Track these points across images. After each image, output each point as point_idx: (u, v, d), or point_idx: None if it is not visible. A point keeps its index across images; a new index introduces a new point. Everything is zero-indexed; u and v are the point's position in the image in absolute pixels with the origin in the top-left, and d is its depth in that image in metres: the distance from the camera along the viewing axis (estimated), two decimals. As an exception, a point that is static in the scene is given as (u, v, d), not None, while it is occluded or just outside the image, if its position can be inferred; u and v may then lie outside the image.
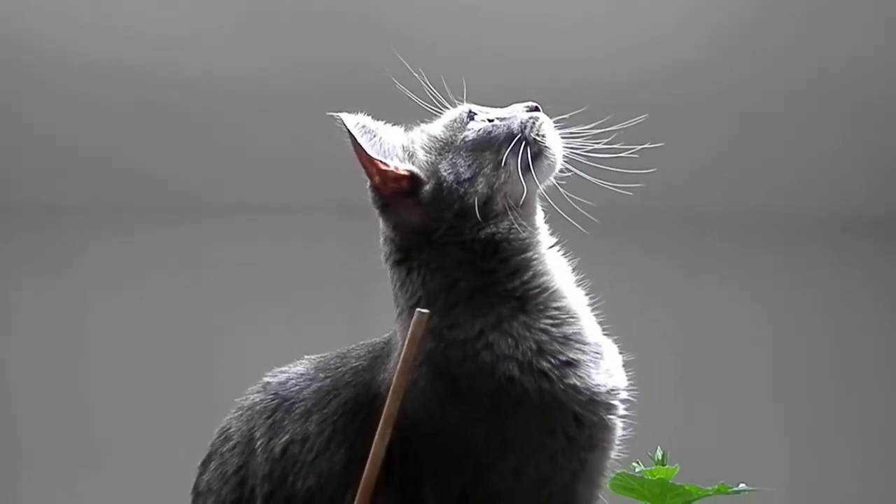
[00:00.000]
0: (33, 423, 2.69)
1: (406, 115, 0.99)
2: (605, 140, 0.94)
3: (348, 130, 0.90)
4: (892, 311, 2.92)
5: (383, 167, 0.90)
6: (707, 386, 2.84)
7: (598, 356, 0.91)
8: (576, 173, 0.95)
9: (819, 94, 2.48)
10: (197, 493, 0.96)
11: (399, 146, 0.93)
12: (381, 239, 0.94)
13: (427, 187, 0.91)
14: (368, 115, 0.94)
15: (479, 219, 0.89)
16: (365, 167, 0.91)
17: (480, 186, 0.90)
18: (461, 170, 0.91)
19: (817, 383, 2.86)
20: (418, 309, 0.84)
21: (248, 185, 2.73)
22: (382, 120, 0.95)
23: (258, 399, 0.95)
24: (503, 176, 0.91)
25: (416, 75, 1.00)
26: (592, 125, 0.95)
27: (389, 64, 1.11)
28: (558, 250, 0.96)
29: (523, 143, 0.92)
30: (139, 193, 2.74)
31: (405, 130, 0.96)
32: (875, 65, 2.40)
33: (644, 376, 0.95)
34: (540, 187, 0.94)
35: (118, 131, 2.51)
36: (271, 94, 2.43)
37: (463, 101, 1.00)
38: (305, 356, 0.99)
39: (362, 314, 1.98)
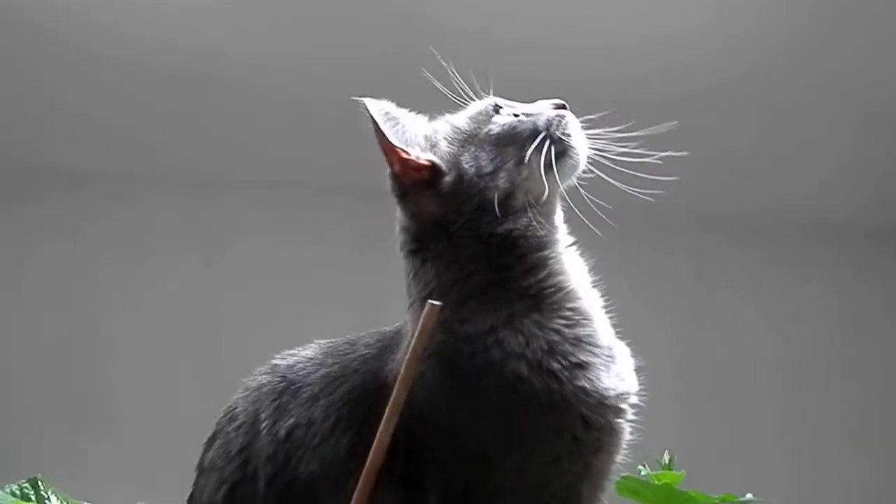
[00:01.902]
0: (43, 390, 2.71)
1: (433, 104, 0.98)
2: (632, 144, 0.92)
3: (371, 116, 0.89)
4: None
5: (404, 155, 0.90)
6: (716, 392, 2.82)
7: (610, 359, 0.90)
8: (597, 174, 0.94)
9: (835, 100, 2.47)
10: (201, 471, 0.96)
11: (422, 135, 0.92)
12: (397, 227, 0.94)
13: (447, 178, 0.90)
14: (395, 101, 0.93)
15: (498, 214, 0.88)
16: (386, 154, 0.90)
17: (501, 181, 0.89)
18: (483, 163, 0.90)
19: (827, 391, 2.85)
20: (430, 300, 0.84)
21: (269, 162, 2.74)
22: (408, 108, 0.94)
23: (265, 381, 0.94)
24: (525, 172, 0.90)
25: (444, 65, 0.99)
26: (618, 128, 0.94)
27: (419, 52, 1.10)
28: (576, 250, 0.95)
29: (548, 140, 0.91)
30: (160, 164, 2.75)
31: (429, 120, 0.95)
32: (892, 72, 2.37)
33: (654, 380, 0.94)
34: (561, 186, 0.93)
35: (143, 103, 2.53)
36: (296, 73, 2.43)
37: (489, 94, 0.99)
38: (315, 340, 0.98)
39: (375, 297, 1.97)
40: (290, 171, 2.75)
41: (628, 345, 0.94)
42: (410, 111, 0.94)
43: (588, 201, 0.94)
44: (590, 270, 0.96)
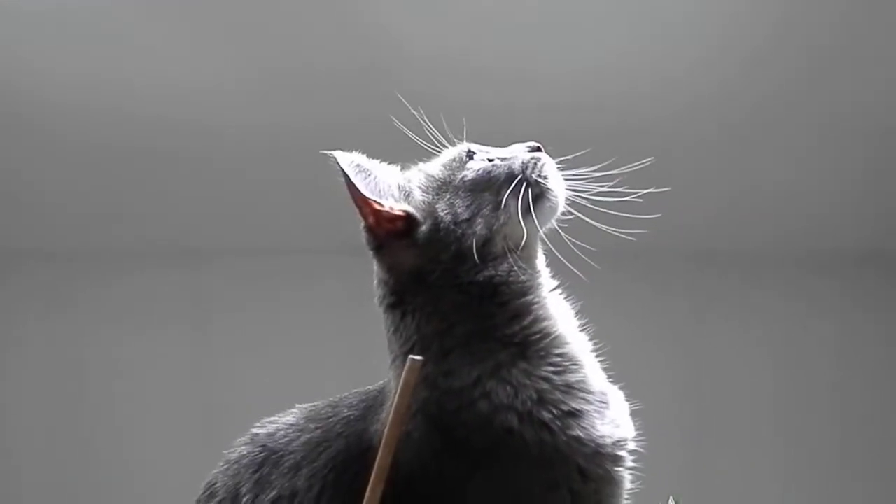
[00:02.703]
0: (33, 467, 2.66)
1: (409, 160, 0.96)
2: (610, 183, 0.90)
3: (342, 169, 0.87)
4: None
5: (378, 207, 0.87)
6: (717, 431, 2.78)
7: (604, 405, 0.86)
8: (578, 216, 0.91)
9: (826, 130, 2.47)
10: (181, 551, 0.92)
11: (395, 185, 0.89)
12: (375, 281, 0.91)
13: (423, 228, 0.87)
14: (369, 154, 0.91)
15: (478, 261, 0.86)
16: (359, 207, 0.88)
17: (479, 228, 0.87)
18: (459, 210, 0.87)
19: (828, 426, 2.80)
20: (411, 356, 0.80)
21: (252, 229, 2.74)
22: (381, 159, 0.92)
23: (245, 451, 0.90)
24: (503, 217, 0.87)
25: (415, 113, 0.97)
26: (596, 167, 0.92)
27: (392, 109, 1.08)
28: (561, 294, 0.92)
29: (524, 183, 0.89)
30: (144, 237, 2.74)
31: (402, 170, 0.93)
32: (885, 101, 2.38)
33: (653, 422, 0.91)
34: (541, 230, 0.90)
35: (126, 179, 2.55)
36: (274, 140, 2.45)
37: (462, 140, 0.97)
38: (297, 405, 0.94)
39: (368, 354, 1.94)
40: (275, 236, 2.75)
41: (623, 388, 0.91)
42: (383, 162, 0.92)
43: (572, 244, 0.91)
44: (577, 314, 0.93)
